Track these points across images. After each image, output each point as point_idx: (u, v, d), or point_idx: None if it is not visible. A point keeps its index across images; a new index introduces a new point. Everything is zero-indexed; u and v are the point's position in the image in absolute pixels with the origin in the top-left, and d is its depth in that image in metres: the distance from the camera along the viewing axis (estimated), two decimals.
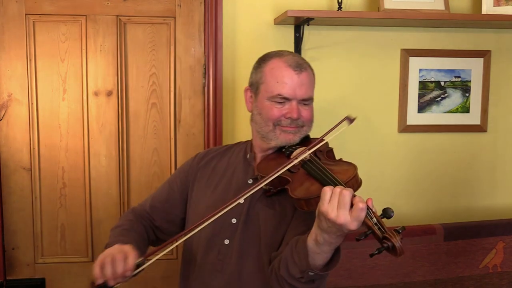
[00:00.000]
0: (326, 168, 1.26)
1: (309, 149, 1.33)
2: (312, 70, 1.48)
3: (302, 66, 1.42)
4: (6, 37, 2.15)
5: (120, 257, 1.24)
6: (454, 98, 2.36)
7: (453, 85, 2.35)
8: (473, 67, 2.35)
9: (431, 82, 2.33)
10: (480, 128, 2.39)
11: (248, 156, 1.52)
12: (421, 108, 2.33)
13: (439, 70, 2.33)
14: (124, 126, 2.25)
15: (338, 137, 2.28)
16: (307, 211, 1.23)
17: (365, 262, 2.06)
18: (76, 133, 2.23)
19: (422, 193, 2.39)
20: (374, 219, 1.07)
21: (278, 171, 1.29)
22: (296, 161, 1.30)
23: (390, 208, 1.07)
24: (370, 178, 2.34)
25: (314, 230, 1.15)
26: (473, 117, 2.38)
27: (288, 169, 1.31)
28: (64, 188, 2.25)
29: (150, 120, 2.26)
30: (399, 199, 2.37)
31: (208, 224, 1.33)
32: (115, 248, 1.29)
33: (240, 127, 2.22)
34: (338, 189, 1.09)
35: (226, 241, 1.44)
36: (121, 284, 1.25)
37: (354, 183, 1.22)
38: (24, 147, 2.20)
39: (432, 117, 2.35)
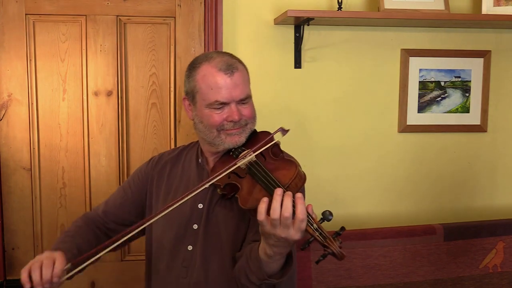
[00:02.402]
0: (268, 172, 1.27)
1: (254, 151, 1.34)
2: (243, 66, 1.45)
3: (233, 67, 1.39)
4: (6, 37, 2.15)
5: (47, 262, 1.25)
6: (454, 98, 2.36)
7: (453, 85, 2.35)
8: (473, 67, 2.35)
9: (431, 82, 2.33)
10: (480, 128, 2.39)
11: (200, 160, 1.52)
12: (421, 108, 2.33)
13: (439, 70, 2.33)
14: (124, 126, 2.25)
15: (336, 136, 2.29)
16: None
17: (365, 262, 2.06)
18: (76, 133, 2.23)
19: (422, 193, 2.39)
20: (315, 225, 1.11)
21: (218, 175, 1.31)
22: (236, 165, 1.31)
23: (328, 210, 1.11)
24: (370, 178, 2.34)
25: (263, 244, 1.18)
26: (473, 117, 2.38)
27: (236, 174, 1.32)
28: (64, 188, 2.25)
29: (150, 120, 2.26)
30: (399, 199, 2.37)
31: (166, 228, 1.37)
32: (44, 254, 1.30)
33: None
34: (277, 212, 1.10)
35: (190, 247, 1.44)
36: None
37: (298, 181, 1.24)
38: (24, 147, 2.20)
39: (432, 117, 2.34)
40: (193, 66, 1.46)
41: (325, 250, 1.09)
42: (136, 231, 1.32)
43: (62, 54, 2.19)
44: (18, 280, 2.23)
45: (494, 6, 2.18)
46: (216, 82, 1.38)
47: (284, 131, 1.39)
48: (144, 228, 1.47)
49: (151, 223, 1.46)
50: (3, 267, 2.22)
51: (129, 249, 2.32)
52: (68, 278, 1.29)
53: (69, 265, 1.28)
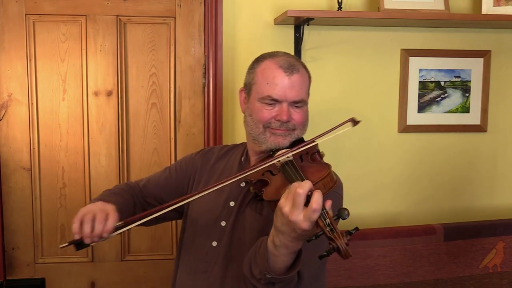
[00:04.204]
0: (299, 170, 1.25)
1: (292, 151, 1.30)
2: (306, 71, 1.44)
3: (294, 68, 1.38)
4: (6, 37, 2.15)
5: (101, 216, 1.22)
6: (454, 98, 2.36)
7: (453, 85, 2.35)
8: (473, 67, 2.35)
9: (431, 82, 2.33)
10: (480, 128, 2.39)
11: (242, 159, 1.52)
12: (421, 108, 2.33)
13: (439, 70, 2.33)
14: (124, 126, 2.25)
15: (337, 137, 2.29)
16: None
17: (365, 262, 2.06)
18: (76, 133, 2.23)
19: (422, 193, 2.39)
20: (328, 220, 1.06)
21: (252, 169, 1.28)
22: (272, 162, 1.28)
23: (345, 208, 1.07)
24: (370, 178, 2.34)
25: (272, 230, 1.14)
26: (473, 117, 2.38)
27: (270, 171, 1.30)
28: (64, 188, 2.25)
29: (150, 120, 2.26)
30: (399, 199, 2.37)
31: (197, 220, 1.36)
32: (98, 206, 1.27)
33: (240, 127, 2.21)
34: (294, 187, 1.06)
35: (214, 243, 1.44)
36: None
37: (327, 182, 1.21)
38: (24, 147, 2.20)
39: (432, 117, 2.34)
40: (257, 60, 1.45)
41: (330, 244, 1.06)
42: (171, 207, 1.29)
43: (62, 54, 2.19)
44: (18, 280, 2.25)
45: (494, 6, 2.18)
46: (274, 78, 1.37)
47: (354, 122, 1.34)
48: (182, 212, 1.54)
49: (187, 209, 1.51)
50: (3, 267, 2.22)
51: (129, 249, 2.31)
52: (114, 235, 1.27)
53: (121, 222, 1.25)
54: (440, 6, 2.17)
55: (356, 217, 2.33)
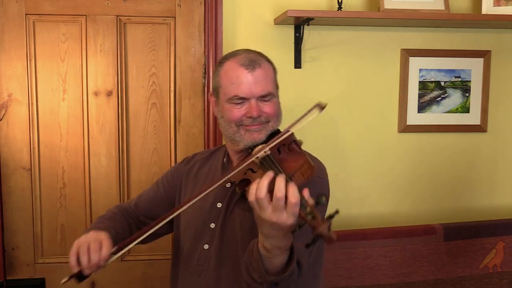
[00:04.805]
0: (276, 163, 1.24)
1: (268, 145, 1.29)
2: (270, 64, 1.44)
3: (255, 63, 1.38)
4: (6, 37, 2.15)
5: (95, 246, 1.26)
6: (454, 98, 2.36)
7: (453, 85, 2.35)
8: (473, 67, 2.35)
9: (431, 82, 2.33)
10: (480, 128, 2.39)
11: (225, 160, 1.53)
12: (421, 108, 2.33)
13: (439, 70, 2.33)
14: (124, 126, 2.25)
15: (337, 137, 2.29)
16: None
17: (365, 262, 2.06)
18: (76, 133, 2.23)
19: (422, 193, 2.39)
20: (308, 208, 1.06)
21: (233, 170, 1.28)
22: (250, 160, 1.28)
23: (323, 194, 1.07)
24: (370, 178, 2.34)
25: (260, 237, 1.15)
26: (473, 117, 2.38)
27: (251, 169, 1.29)
28: (64, 188, 2.25)
29: (150, 120, 2.26)
30: (399, 199, 2.37)
31: (187, 225, 1.37)
32: (91, 236, 1.30)
33: None
34: (262, 193, 1.07)
35: (206, 246, 1.44)
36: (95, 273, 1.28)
37: (305, 170, 1.21)
38: (24, 147, 2.20)
39: (432, 117, 2.34)
40: (220, 62, 1.46)
41: (313, 232, 1.05)
42: (163, 223, 1.30)
43: (62, 54, 2.19)
44: (18, 280, 2.25)
45: (494, 6, 2.18)
46: (237, 77, 1.37)
47: (320, 108, 1.32)
48: (173, 224, 1.54)
49: (177, 219, 1.51)
50: (3, 267, 2.22)
51: (129, 249, 2.31)
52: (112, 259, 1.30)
53: (115, 248, 1.28)
54: (440, 6, 2.17)
55: (356, 217, 2.33)
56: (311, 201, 1.07)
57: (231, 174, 1.29)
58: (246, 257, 1.23)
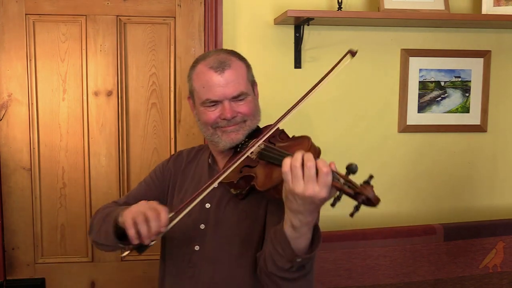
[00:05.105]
0: (281, 150, 1.24)
1: (260, 139, 1.29)
2: (241, 62, 1.42)
3: (225, 64, 1.37)
4: (6, 37, 2.15)
5: (152, 214, 1.19)
6: (454, 98, 2.36)
7: (453, 85, 2.35)
8: (473, 67, 2.35)
9: (431, 82, 2.33)
10: (480, 128, 2.39)
11: (210, 161, 1.52)
12: (421, 108, 2.33)
13: (439, 70, 2.33)
14: (124, 126, 2.25)
15: (336, 136, 2.29)
16: (279, 199, 1.19)
17: (365, 262, 2.06)
18: (76, 133, 2.23)
19: (422, 193, 2.39)
20: (341, 179, 1.05)
21: (226, 170, 1.27)
22: (243, 157, 1.27)
23: (352, 163, 1.04)
24: None
25: (287, 215, 1.13)
26: (473, 117, 2.38)
27: (247, 166, 1.29)
28: (64, 188, 2.25)
29: (150, 120, 2.26)
30: (399, 199, 2.37)
31: (174, 227, 1.31)
32: (143, 205, 1.23)
33: None
34: (298, 162, 1.06)
35: (197, 247, 1.43)
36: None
37: (315, 150, 1.21)
38: (24, 147, 2.20)
39: (432, 117, 2.34)
40: (192, 66, 1.46)
41: (357, 198, 1.01)
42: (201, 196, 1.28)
43: (62, 54, 2.19)
44: (18, 280, 2.25)
45: (494, 6, 2.18)
46: (207, 81, 1.37)
47: (352, 53, 1.30)
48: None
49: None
50: (3, 267, 2.22)
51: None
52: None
53: (172, 213, 1.24)
54: (440, 6, 2.17)
55: (356, 217, 2.32)
56: (339, 172, 1.06)
57: (226, 173, 1.27)
58: (270, 248, 1.21)
